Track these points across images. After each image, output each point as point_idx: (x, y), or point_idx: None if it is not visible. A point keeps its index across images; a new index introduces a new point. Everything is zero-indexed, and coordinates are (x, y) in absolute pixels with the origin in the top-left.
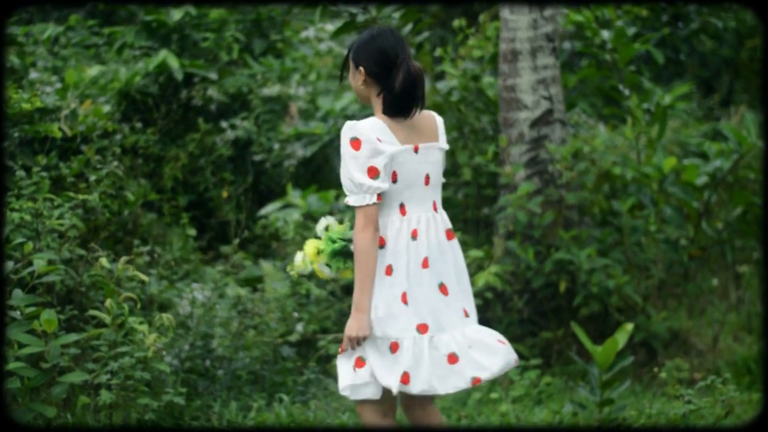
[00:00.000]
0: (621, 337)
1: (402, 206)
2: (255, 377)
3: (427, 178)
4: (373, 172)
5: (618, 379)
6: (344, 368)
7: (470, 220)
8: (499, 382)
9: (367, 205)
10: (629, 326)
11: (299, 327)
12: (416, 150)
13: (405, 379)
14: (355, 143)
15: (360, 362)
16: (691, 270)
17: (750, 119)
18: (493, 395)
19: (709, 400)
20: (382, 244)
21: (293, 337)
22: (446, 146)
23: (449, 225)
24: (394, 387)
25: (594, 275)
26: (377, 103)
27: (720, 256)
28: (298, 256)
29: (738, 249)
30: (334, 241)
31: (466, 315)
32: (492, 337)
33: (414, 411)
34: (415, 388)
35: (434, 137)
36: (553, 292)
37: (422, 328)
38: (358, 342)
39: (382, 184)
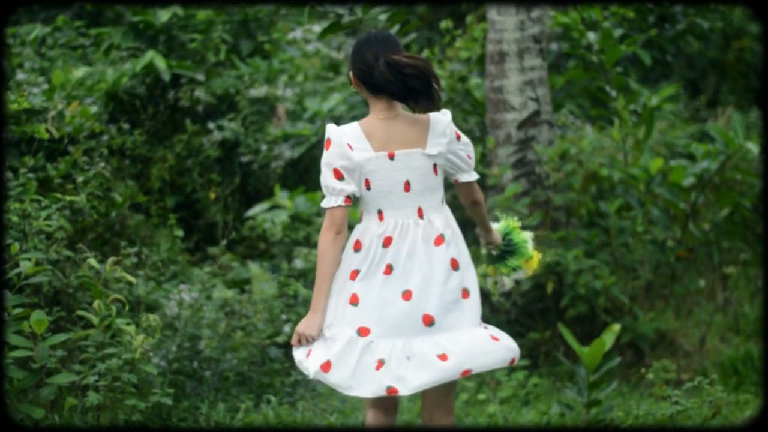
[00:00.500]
0: (608, 338)
1: (380, 212)
2: (242, 378)
3: (407, 185)
4: (337, 174)
5: (605, 380)
6: (298, 352)
7: (458, 221)
8: (487, 383)
9: (332, 207)
10: (616, 327)
11: (287, 328)
12: (391, 156)
13: (326, 366)
14: (327, 143)
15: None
16: (678, 271)
17: (737, 120)
18: (481, 396)
19: (696, 400)
20: (358, 248)
21: (281, 339)
22: (433, 151)
23: (440, 231)
24: (312, 371)
25: (581, 276)
26: (370, 106)
27: (707, 257)
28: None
29: (725, 250)
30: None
31: (428, 324)
32: (436, 351)
33: (423, 409)
34: (332, 378)
35: (419, 143)
36: (540, 293)
37: (363, 331)
38: (307, 339)
39: (347, 186)
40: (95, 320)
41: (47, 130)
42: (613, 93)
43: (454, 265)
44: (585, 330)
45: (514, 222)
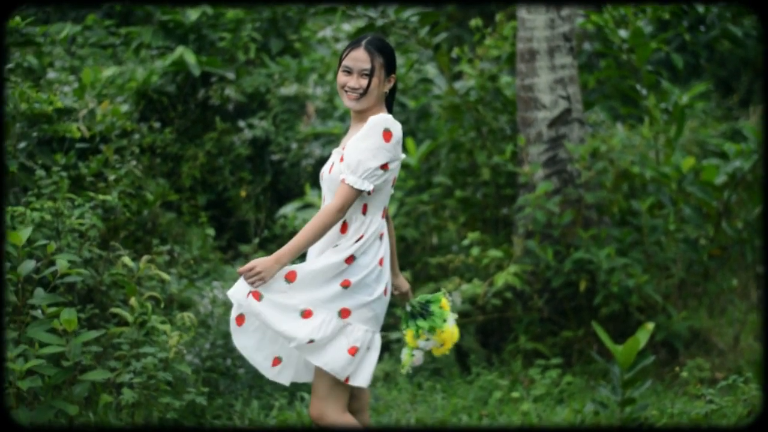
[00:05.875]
0: (642, 337)
1: (365, 207)
2: None
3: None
4: (384, 167)
5: (639, 378)
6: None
7: (489, 220)
8: (520, 381)
9: (357, 190)
10: (650, 325)
11: None
12: None
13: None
14: (388, 135)
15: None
16: (711, 269)
17: None
18: (515, 394)
19: (731, 399)
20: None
21: None
22: None
23: None
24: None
25: (614, 275)
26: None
27: (740, 256)
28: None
29: (758, 248)
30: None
31: None
32: None
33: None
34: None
35: None
36: (573, 291)
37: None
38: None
39: (379, 181)
40: (130, 318)
41: (78, 129)
42: (644, 91)
43: None
44: (618, 328)
45: (443, 297)
